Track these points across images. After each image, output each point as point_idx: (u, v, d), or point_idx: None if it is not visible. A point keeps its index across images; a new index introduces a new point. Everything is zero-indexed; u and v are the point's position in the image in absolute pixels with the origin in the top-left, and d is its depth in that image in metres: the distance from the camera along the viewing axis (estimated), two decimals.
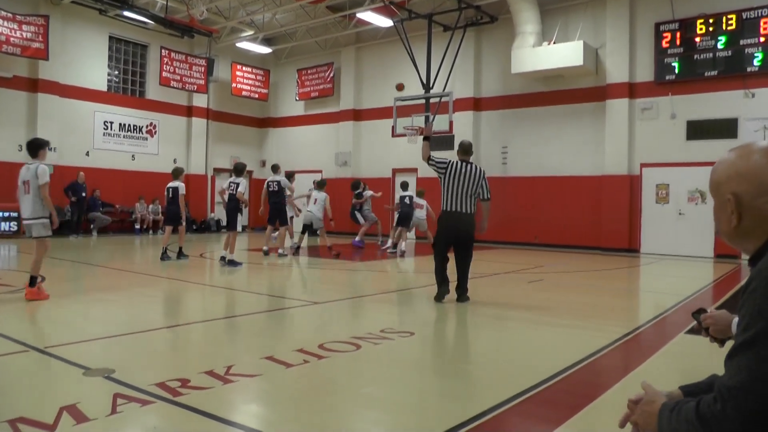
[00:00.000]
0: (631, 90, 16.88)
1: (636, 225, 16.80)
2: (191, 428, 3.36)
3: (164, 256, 12.13)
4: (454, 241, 7.60)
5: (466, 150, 7.79)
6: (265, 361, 4.61)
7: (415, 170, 20.65)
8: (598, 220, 17.08)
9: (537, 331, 6.42)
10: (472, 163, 7.61)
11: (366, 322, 6.76)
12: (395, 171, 21.55)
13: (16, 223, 17.44)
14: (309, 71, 23.76)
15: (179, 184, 12.56)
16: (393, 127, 18.46)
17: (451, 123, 17.52)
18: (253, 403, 3.88)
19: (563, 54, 16.93)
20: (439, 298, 7.53)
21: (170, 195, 12.58)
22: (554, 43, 17.35)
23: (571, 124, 17.94)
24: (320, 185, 14.46)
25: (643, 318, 7.35)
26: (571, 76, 17.67)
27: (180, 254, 12.46)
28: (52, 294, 7.57)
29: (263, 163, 25.74)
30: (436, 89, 18.29)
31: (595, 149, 17.45)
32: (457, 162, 7.56)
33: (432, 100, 18.10)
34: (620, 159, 16.91)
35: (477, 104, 19.76)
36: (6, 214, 17.37)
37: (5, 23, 17.30)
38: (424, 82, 18.44)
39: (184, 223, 13.03)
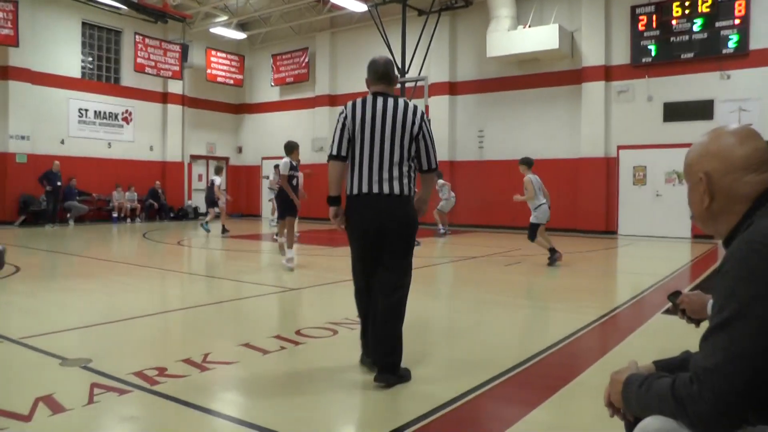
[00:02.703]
0: (607, 73, 16.97)
1: (613, 207, 16.97)
2: (169, 417, 3.36)
3: (224, 231, 15.87)
4: (370, 246, 3.98)
5: (383, 74, 4.06)
6: (241, 348, 4.62)
7: None
8: (575, 203, 17.22)
9: (514, 313, 6.48)
10: (397, 99, 3.98)
11: (343, 307, 6.77)
12: None
13: None
14: (284, 57, 23.56)
15: (215, 177, 15.88)
16: None
17: (426, 107, 17.46)
18: (231, 390, 3.88)
19: (539, 38, 16.95)
20: (362, 358, 4.23)
21: (209, 185, 16.11)
22: (529, 26, 17.36)
23: (548, 108, 18.01)
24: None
25: (620, 299, 7.45)
26: (547, 59, 17.71)
27: (223, 230, 15.96)
28: (28, 284, 7.48)
29: (240, 150, 25.59)
30: (412, 74, 18.23)
31: (572, 132, 17.55)
32: (363, 100, 3.96)
33: (407, 85, 18.05)
34: (597, 141, 17.03)
35: (453, 88, 19.74)
36: None
37: None
38: (399, 66, 18.36)
39: (222, 206, 16.12)
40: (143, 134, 22.16)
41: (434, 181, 4.22)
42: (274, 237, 13.32)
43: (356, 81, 20.92)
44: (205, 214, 17.23)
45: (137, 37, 20.67)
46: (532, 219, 9.95)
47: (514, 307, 6.85)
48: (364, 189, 3.88)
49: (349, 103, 3.98)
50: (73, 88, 20.13)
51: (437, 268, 10.19)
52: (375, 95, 3.97)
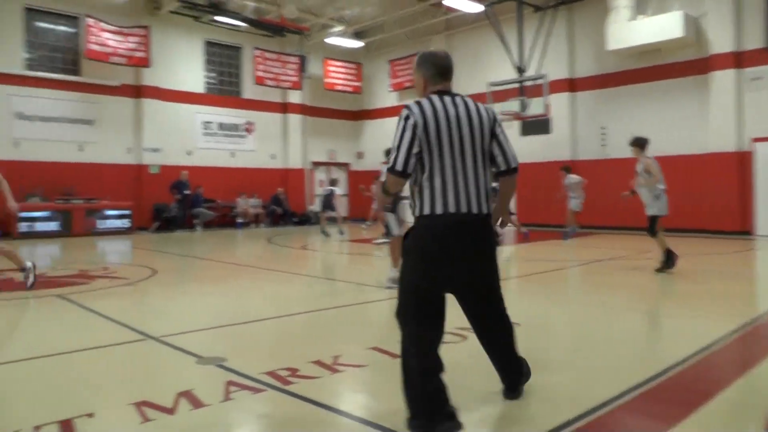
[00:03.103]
0: (739, 59, 15.81)
1: (748, 205, 15.79)
2: (302, 416, 3.44)
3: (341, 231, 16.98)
4: (451, 283, 3.30)
5: (447, 68, 3.41)
6: (371, 352, 4.66)
7: None
8: (701, 201, 16.15)
9: (645, 321, 6.16)
10: (463, 98, 3.38)
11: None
12: None
13: (129, 220, 18.48)
14: (401, 62, 23.77)
15: (334, 188, 17.62)
16: None
17: (547, 106, 17.10)
18: (361, 393, 3.93)
19: (661, 26, 16.08)
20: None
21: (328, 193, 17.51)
22: (651, 15, 16.53)
23: (670, 101, 17.04)
24: None
25: (762, 307, 6.89)
26: (669, 49, 16.77)
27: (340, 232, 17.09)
28: (164, 286, 7.95)
29: (360, 155, 26.08)
30: (529, 72, 17.88)
31: (698, 126, 16.50)
32: (431, 101, 3.26)
33: (525, 84, 17.72)
34: (727, 135, 15.91)
35: (572, 85, 19.15)
36: (119, 212, 18.41)
37: (113, 36, 18.42)
38: (518, 65, 18.07)
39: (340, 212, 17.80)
40: (265, 143, 23.12)
41: (515, 184, 3.51)
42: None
43: (472, 82, 20.76)
44: (333, 220, 17.83)
45: (256, 51, 21.61)
46: (651, 211, 8.77)
47: (645, 313, 6.51)
48: (451, 208, 3.15)
49: (415, 106, 3.20)
50: (199, 102, 21.38)
51: (564, 272, 9.89)
52: (441, 94, 3.29)
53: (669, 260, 8.76)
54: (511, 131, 18.52)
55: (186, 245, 15.28)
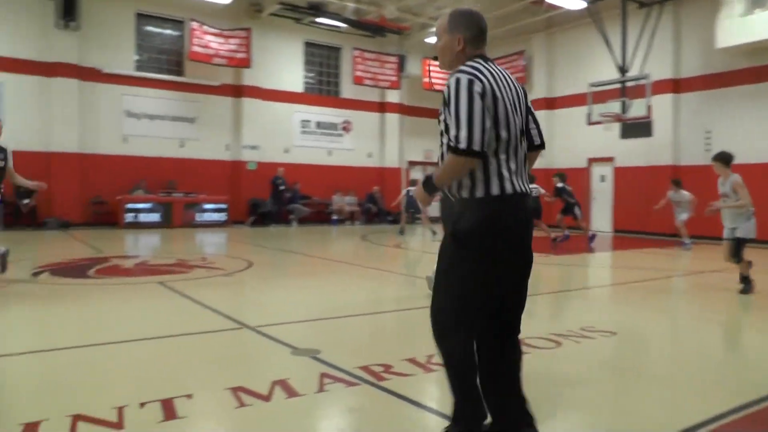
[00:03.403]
0: None
1: None
2: (394, 412, 3.39)
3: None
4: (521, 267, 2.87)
5: (484, 29, 2.96)
6: None
7: (611, 159, 19.55)
8: None
9: (757, 337, 5.71)
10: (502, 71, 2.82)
11: (566, 318, 6.45)
12: (591, 160, 20.50)
13: (225, 214, 19.14)
14: (500, 61, 23.34)
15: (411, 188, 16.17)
16: (588, 114, 17.62)
17: (649, 108, 16.32)
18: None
19: None
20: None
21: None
22: None
23: None
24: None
25: None
26: None
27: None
28: (260, 278, 8.12)
29: None
30: (632, 73, 17.14)
31: None
32: (487, 65, 2.76)
33: (628, 84, 17.00)
34: None
35: (676, 86, 18.15)
36: (216, 206, 19.10)
37: (215, 38, 19.18)
38: (621, 64, 17.37)
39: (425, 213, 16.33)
40: (362, 142, 23.36)
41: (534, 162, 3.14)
42: None
43: (574, 82, 20.19)
44: (417, 220, 17.75)
45: (355, 51, 21.86)
46: (739, 233, 7.64)
47: (757, 330, 6.04)
48: (518, 188, 2.68)
49: (475, 70, 2.64)
50: (297, 102, 21.86)
51: (662, 283, 9.38)
52: (485, 60, 2.78)
53: (747, 286, 7.83)
54: (611, 133, 17.86)
55: (281, 240, 15.60)
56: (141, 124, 18.90)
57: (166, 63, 19.59)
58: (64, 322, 5.71)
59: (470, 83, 2.57)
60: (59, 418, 3.13)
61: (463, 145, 2.50)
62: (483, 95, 2.56)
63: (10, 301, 6.63)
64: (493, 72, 2.69)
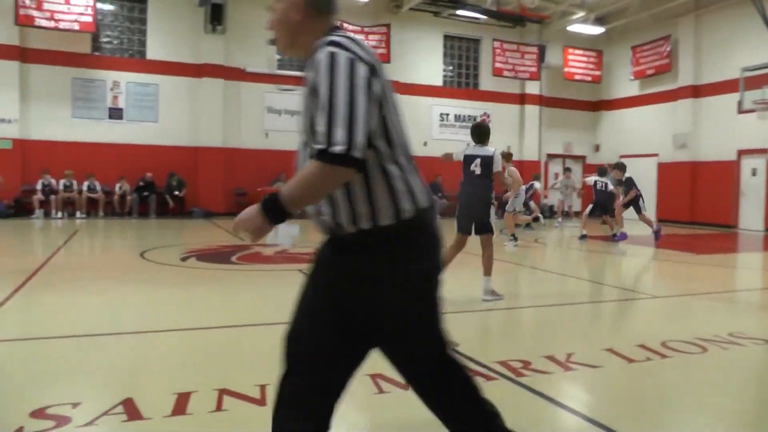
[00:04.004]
0: None
1: None
2: (532, 409, 3.37)
3: (582, 238, 13.48)
4: None
5: None
6: (605, 353, 4.40)
7: (765, 151, 17.85)
8: None
9: None
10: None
11: (711, 322, 6.05)
12: (741, 153, 18.84)
13: None
14: (643, 48, 22.16)
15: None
16: (739, 102, 16.25)
17: None
18: (593, 394, 3.74)
19: None
20: None
21: (600, 188, 13.23)
22: None
23: None
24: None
25: None
26: None
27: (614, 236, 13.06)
28: None
29: (597, 148, 24.90)
30: None
31: None
32: (362, 42, 2.03)
33: None
34: None
35: None
36: None
37: (356, 36, 19.63)
38: None
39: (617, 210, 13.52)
40: (500, 135, 23.01)
41: None
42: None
43: (723, 68, 18.71)
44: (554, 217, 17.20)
45: (495, 43, 21.61)
46: None
47: None
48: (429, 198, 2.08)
49: (354, 44, 1.95)
50: (436, 95, 21.98)
51: None
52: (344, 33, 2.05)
53: None
54: (766, 122, 16.31)
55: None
56: (281, 120, 19.88)
57: (305, 61, 20.35)
58: (209, 304, 6.19)
59: (351, 63, 1.86)
60: (207, 390, 3.42)
61: (339, 148, 1.74)
62: (369, 80, 1.87)
63: (161, 283, 7.26)
64: (369, 48, 1.98)
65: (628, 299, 7.14)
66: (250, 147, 19.44)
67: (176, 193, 18.05)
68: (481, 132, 6.66)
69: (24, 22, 16.37)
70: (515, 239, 11.62)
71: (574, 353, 4.34)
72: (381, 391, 3.50)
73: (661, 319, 6.19)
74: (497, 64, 21.64)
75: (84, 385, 3.65)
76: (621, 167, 13.56)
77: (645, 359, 4.29)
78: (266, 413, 3.15)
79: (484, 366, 3.97)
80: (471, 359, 4.11)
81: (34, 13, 16.35)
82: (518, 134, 23.45)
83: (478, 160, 6.43)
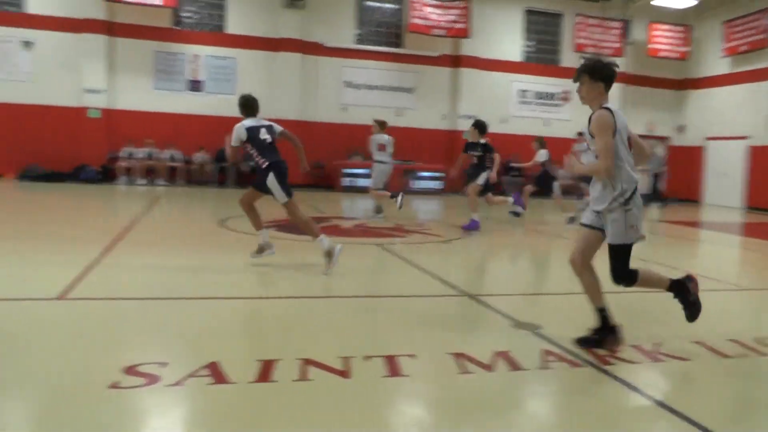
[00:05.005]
0: None
1: None
2: (617, 399, 3.28)
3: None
4: None
5: None
6: (695, 346, 4.16)
7: None
8: None
9: None
10: None
11: None
12: None
13: (441, 182, 19.52)
14: (737, 22, 20.86)
15: None
16: None
17: None
18: (684, 388, 3.58)
19: None
20: None
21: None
22: None
23: None
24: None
25: None
26: None
27: None
28: (476, 246, 8.14)
29: (681, 129, 23.79)
30: None
31: None
32: None
33: None
34: None
35: None
36: (431, 174, 19.57)
37: (435, 10, 19.54)
38: None
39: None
40: (581, 113, 22.21)
41: None
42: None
43: None
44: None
45: (578, 18, 20.89)
46: None
47: None
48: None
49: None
50: (515, 71, 21.47)
51: None
52: None
53: None
54: None
55: (497, 210, 15.49)
56: (359, 94, 19.92)
57: (385, 36, 20.34)
58: (287, 274, 6.28)
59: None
60: (291, 360, 3.44)
61: None
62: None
63: (241, 251, 7.27)
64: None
65: (712, 290, 6.80)
66: (328, 121, 19.56)
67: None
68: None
69: None
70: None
71: (662, 343, 4.15)
72: (465, 371, 3.44)
73: (750, 312, 5.87)
74: (579, 40, 20.93)
75: (171, 346, 3.76)
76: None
77: (740, 355, 4.05)
78: (351, 386, 3.20)
79: (568, 351, 3.85)
80: (555, 343, 4.00)
81: None
82: None
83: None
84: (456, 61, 20.68)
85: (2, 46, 17.04)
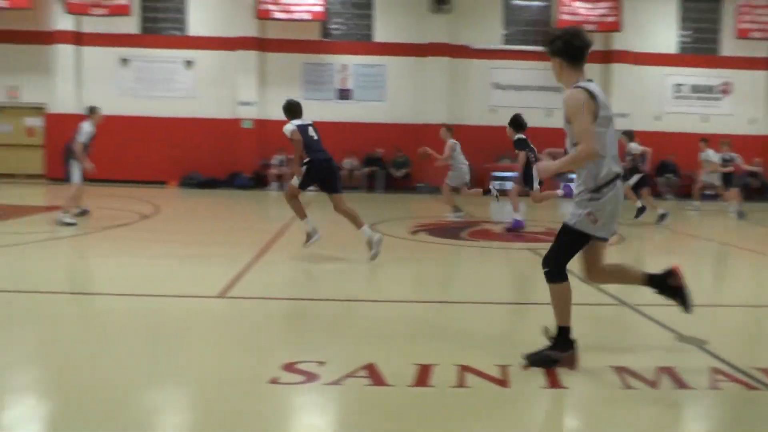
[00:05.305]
0: None
1: None
2: None
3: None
4: None
5: None
6: None
7: None
8: None
9: None
10: None
11: None
12: None
13: None
14: None
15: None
16: None
17: None
18: None
19: None
20: None
21: None
22: None
23: None
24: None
25: None
26: None
27: None
28: (639, 254, 7.72)
29: None
30: None
31: None
32: None
33: None
34: None
35: None
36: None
37: (584, 4, 18.89)
38: None
39: None
40: (743, 107, 20.52)
41: None
42: None
43: None
44: None
45: (741, 1, 19.25)
46: None
47: None
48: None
49: None
50: (669, 64, 20.18)
51: None
52: None
53: None
54: None
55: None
56: (508, 96, 19.62)
57: (533, 34, 19.89)
58: (441, 278, 6.32)
59: None
60: (447, 365, 3.45)
61: None
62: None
63: (394, 256, 7.45)
64: None
65: None
66: (476, 123, 19.48)
67: (401, 169, 18.79)
68: None
69: (263, 15, 18.14)
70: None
71: None
72: (627, 386, 3.29)
73: None
74: (742, 25, 19.28)
75: (327, 346, 3.91)
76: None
77: None
78: (510, 396, 3.18)
79: (741, 371, 3.53)
80: (724, 361, 3.69)
81: (271, 6, 18.02)
82: (765, 105, 20.70)
83: None
84: (607, 56, 19.76)
85: (167, 66, 18.80)
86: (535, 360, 3.46)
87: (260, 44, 18.85)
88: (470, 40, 19.31)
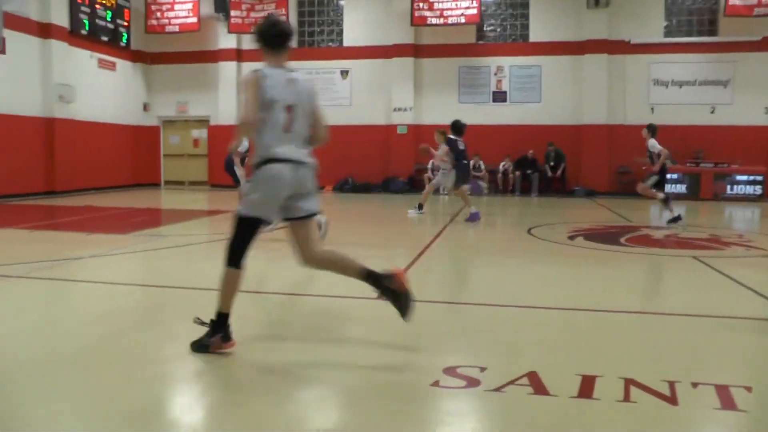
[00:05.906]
0: None
1: None
2: None
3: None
4: None
5: None
6: None
7: None
8: None
9: None
10: None
11: None
12: None
13: (761, 186, 17.21)
14: None
15: None
16: None
17: None
18: None
19: None
20: None
21: None
22: None
23: None
24: None
25: None
26: None
27: None
28: None
29: None
30: None
31: None
32: None
33: None
34: None
35: None
36: (749, 178, 17.32)
37: None
38: None
39: None
40: None
41: None
42: None
43: None
44: None
45: None
46: None
47: None
48: None
49: None
50: None
51: None
52: None
53: None
54: None
55: None
56: (668, 92, 18.64)
57: (697, 24, 18.69)
58: (604, 285, 6.15)
59: None
60: (612, 377, 3.35)
61: None
62: None
63: (553, 261, 7.45)
64: None
65: None
66: (634, 123, 18.54)
67: (552, 164, 18.43)
68: None
69: (418, 22, 18.60)
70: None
71: None
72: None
73: None
74: None
75: (488, 352, 3.93)
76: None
77: None
78: (678, 414, 3.04)
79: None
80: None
81: (427, 13, 18.42)
82: None
83: None
84: None
85: (326, 76, 19.78)
86: (197, 347, 3.67)
87: (415, 50, 19.32)
88: (630, 34, 18.51)
